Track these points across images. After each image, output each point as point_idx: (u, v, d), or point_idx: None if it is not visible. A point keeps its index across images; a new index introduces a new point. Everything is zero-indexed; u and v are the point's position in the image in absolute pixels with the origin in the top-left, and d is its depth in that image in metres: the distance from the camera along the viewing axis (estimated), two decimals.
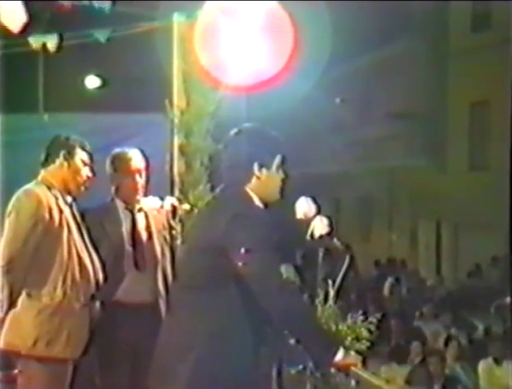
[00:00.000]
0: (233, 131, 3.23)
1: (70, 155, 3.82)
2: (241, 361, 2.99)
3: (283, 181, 3.22)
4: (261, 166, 3.14)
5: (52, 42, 5.00)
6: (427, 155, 18.84)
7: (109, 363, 4.15)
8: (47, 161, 3.83)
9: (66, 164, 3.81)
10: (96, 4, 4.83)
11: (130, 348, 4.13)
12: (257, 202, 3.15)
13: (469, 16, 17.78)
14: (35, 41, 5.00)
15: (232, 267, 2.96)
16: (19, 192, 3.71)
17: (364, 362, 3.16)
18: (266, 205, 3.21)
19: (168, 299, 3.99)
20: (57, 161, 3.81)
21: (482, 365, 8.39)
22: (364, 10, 17.61)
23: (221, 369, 2.95)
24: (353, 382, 3.27)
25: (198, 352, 2.96)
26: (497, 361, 8.33)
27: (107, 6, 4.75)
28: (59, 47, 5.03)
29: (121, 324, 4.11)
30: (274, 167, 3.18)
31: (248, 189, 3.15)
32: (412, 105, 19.17)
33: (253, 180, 3.15)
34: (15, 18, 4.09)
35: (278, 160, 3.19)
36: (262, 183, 3.15)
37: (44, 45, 5.06)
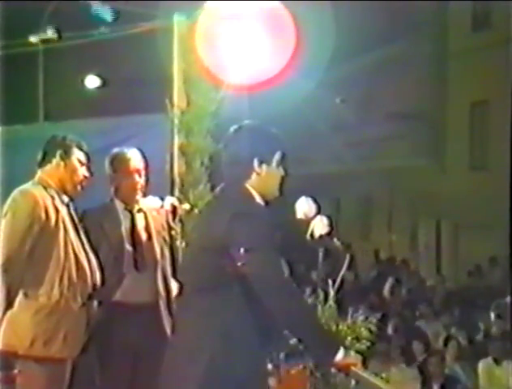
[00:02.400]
0: (233, 128, 3.24)
1: (66, 154, 3.82)
2: (249, 361, 2.99)
3: (283, 178, 3.23)
4: (261, 162, 3.15)
5: (52, 35, 5.00)
6: (427, 155, 18.83)
7: (109, 363, 4.14)
8: (44, 161, 3.83)
9: (62, 163, 3.81)
10: (94, 8, 4.84)
11: (130, 349, 4.13)
12: (257, 198, 3.16)
13: (469, 16, 17.77)
14: (34, 37, 5.00)
15: (235, 267, 2.97)
16: (15, 192, 3.71)
17: (364, 362, 3.16)
18: (266, 202, 3.22)
19: (175, 300, 3.99)
20: (54, 161, 3.81)
21: (482, 365, 8.38)
22: (364, 10, 17.61)
23: (232, 370, 2.95)
24: (353, 382, 3.27)
25: (210, 353, 2.95)
26: (497, 361, 8.32)
27: (107, 14, 4.75)
28: (59, 39, 5.03)
29: (121, 325, 4.10)
30: (274, 163, 3.19)
31: (248, 185, 3.15)
32: (412, 105, 19.17)
33: (253, 176, 3.16)
34: None
35: (278, 156, 3.20)
36: (261, 179, 3.16)
37: (44, 44, 5.07)
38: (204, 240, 3.13)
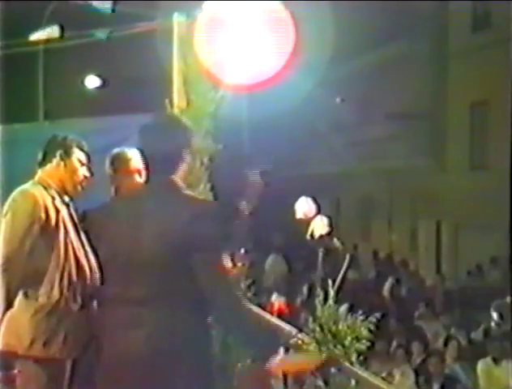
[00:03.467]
0: (154, 120, 3.23)
1: (66, 154, 3.81)
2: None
3: None
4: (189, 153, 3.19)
5: (54, 33, 5.00)
6: (427, 155, 18.85)
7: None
8: (44, 161, 3.83)
9: (62, 163, 3.81)
10: (96, 5, 4.84)
11: None
12: (186, 190, 3.17)
13: (469, 16, 17.78)
14: (35, 36, 5.01)
15: (190, 266, 2.95)
16: (15, 192, 3.71)
17: (364, 362, 3.16)
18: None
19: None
20: (54, 161, 3.81)
21: (481, 365, 8.39)
22: (364, 10, 17.62)
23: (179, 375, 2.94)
24: (353, 382, 3.27)
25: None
26: (496, 361, 8.33)
27: (108, 6, 4.76)
28: (59, 40, 5.04)
29: None
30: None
31: (175, 178, 3.13)
32: (412, 105, 19.18)
33: (182, 168, 3.15)
34: None
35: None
36: (185, 171, 3.18)
37: (44, 44, 5.07)
38: (164, 236, 3.01)
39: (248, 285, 4.61)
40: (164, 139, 3.15)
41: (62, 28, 5.34)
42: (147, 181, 4.29)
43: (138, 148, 4.34)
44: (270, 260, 14.25)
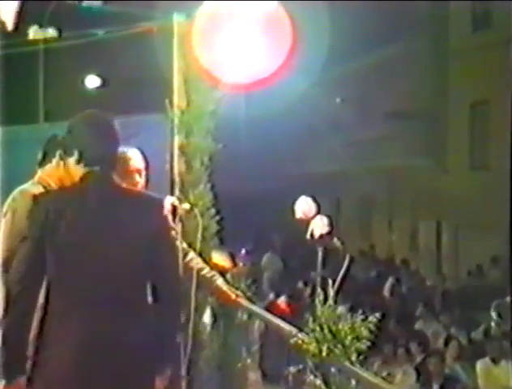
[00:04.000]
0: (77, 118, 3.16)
1: (66, 154, 3.82)
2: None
3: None
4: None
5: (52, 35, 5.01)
6: (427, 155, 18.84)
7: None
8: (44, 161, 3.84)
9: (62, 163, 3.81)
10: (85, 3, 4.85)
11: None
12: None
13: (469, 16, 17.78)
14: (35, 35, 5.02)
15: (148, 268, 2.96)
16: (15, 192, 3.72)
17: (365, 362, 3.15)
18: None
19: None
20: (54, 161, 3.81)
21: (480, 365, 8.40)
22: (364, 9, 17.62)
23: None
24: (353, 382, 3.26)
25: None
26: (495, 361, 8.33)
27: (98, 5, 4.76)
28: (59, 40, 5.04)
29: None
30: None
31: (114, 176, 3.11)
32: (412, 105, 19.18)
33: (116, 167, 3.15)
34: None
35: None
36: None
37: (44, 44, 5.06)
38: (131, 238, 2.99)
39: (248, 285, 4.61)
40: (94, 139, 3.12)
41: (60, 29, 5.35)
42: (147, 182, 4.32)
43: (137, 148, 4.36)
44: (265, 258, 14.37)
